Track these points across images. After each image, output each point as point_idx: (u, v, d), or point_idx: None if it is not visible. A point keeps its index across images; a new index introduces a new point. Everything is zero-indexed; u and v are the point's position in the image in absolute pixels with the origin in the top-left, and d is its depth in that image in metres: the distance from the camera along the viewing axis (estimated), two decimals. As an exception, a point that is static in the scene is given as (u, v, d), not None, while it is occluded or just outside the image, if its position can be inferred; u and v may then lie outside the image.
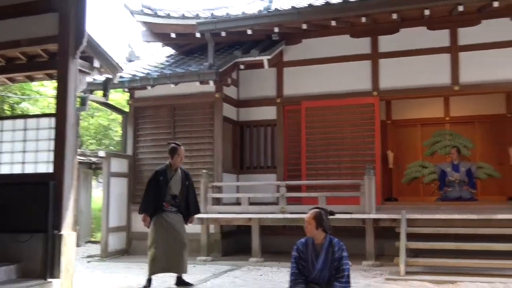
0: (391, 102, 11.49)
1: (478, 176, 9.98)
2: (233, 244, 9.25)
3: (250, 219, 8.33)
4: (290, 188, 8.63)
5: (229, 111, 9.75)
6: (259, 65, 9.25)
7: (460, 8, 8.09)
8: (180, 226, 6.04)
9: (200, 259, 8.31)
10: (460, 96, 10.32)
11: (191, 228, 8.65)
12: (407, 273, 6.54)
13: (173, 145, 6.21)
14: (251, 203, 8.67)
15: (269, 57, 9.08)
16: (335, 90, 9.49)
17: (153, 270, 5.87)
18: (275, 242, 9.04)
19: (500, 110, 10.91)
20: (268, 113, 9.99)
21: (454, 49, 9.03)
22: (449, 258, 6.94)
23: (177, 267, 5.94)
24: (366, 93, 9.33)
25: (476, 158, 10.76)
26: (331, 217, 4.28)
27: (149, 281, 5.93)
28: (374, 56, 9.42)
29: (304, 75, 9.78)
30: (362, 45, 9.49)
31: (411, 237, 7.15)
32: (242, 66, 9.43)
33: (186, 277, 6.11)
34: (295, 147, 9.70)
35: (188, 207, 6.18)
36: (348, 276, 4.16)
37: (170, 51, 11.02)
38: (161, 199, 5.99)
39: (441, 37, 9.10)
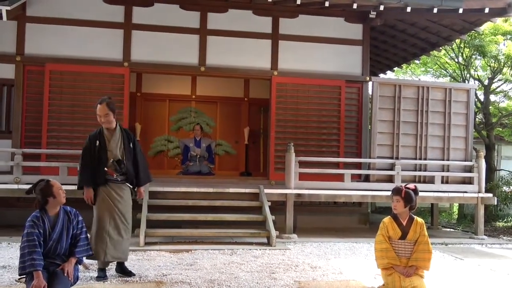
0: (142, 75, 11.55)
1: (216, 152, 10.95)
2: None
3: (-25, 190, 7.39)
4: (27, 157, 7.95)
5: (-46, 64, 8.35)
6: (-4, 15, 8.11)
7: (210, -7, 8.56)
8: (127, 205, 5.02)
9: None
10: (206, 77, 11.01)
11: None
12: (147, 243, 6.76)
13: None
14: (-23, 172, 7.67)
15: (8, 8, 7.96)
16: (85, 55, 9.00)
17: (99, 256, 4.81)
18: (7, 214, 8.23)
19: (239, 94, 12.10)
20: (5, 71, 8.85)
21: (203, 32, 9.47)
22: (187, 229, 7.44)
23: (118, 253, 4.93)
24: (117, 63, 9.11)
25: (217, 136, 11.73)
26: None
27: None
28: (127, 27, 9.21)
29: (51, 34, 8.97)
30: (116, 13, 9.18)
31: (154, 209, 7.38)
32: (-27, 13, 8.13)
33: None
34: (36, 112, 8.87)
35: (138, 175, 5.13)
36: (87, 238, 4.24)
37: None
38: (101, 166, 4.90)
39: (193, 18, 9.44)
